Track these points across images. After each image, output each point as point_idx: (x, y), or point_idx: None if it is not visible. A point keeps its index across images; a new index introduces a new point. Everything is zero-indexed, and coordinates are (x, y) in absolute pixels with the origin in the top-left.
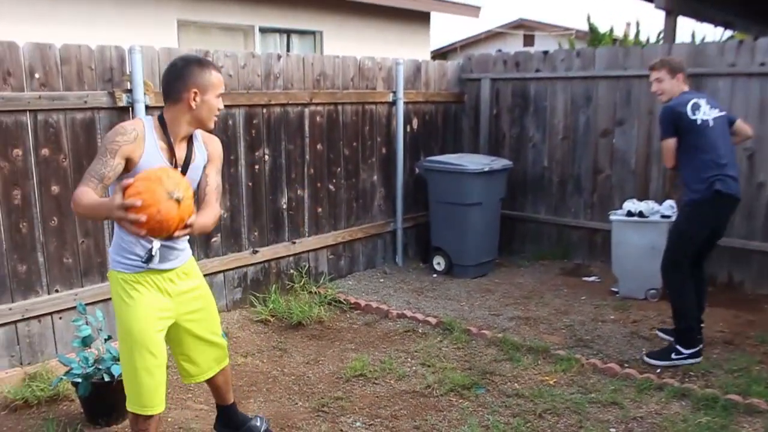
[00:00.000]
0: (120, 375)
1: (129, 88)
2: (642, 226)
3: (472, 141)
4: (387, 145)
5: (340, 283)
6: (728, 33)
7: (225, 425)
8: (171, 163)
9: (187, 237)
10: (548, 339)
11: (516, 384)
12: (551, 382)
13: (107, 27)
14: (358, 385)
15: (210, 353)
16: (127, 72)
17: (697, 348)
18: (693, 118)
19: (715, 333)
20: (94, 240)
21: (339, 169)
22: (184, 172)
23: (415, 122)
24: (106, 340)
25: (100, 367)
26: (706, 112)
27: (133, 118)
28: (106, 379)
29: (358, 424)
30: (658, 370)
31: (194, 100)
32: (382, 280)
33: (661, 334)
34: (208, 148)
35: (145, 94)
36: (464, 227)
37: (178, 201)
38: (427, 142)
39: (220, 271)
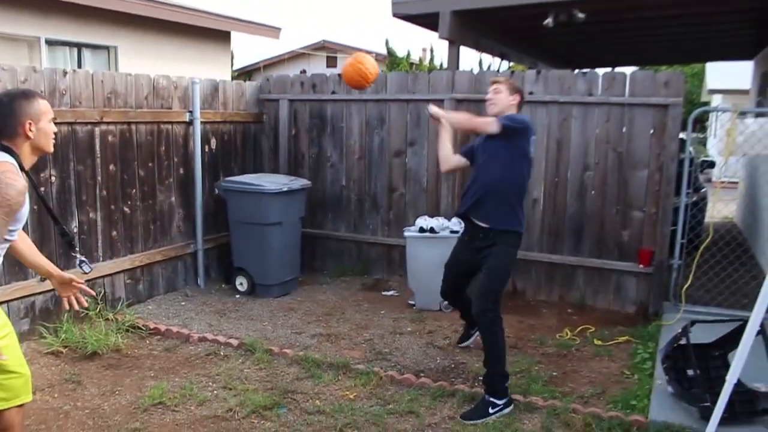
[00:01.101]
0: None
1: None
2: (433, 242)
3: (272, 161)
4: (185, 166)
5: (140, 308)
6: (505, 63)
7: None
8: None
9: None
10: (349, 354)
11: (317, 401)
12: (351, 397)
13: None
14: (157, 414)
15: None
16: None
17: (509, 395)
18: (531, 149)
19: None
20: None
21: (134, 190)
22: None
23: (213, 142)
24: None
25: None
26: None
27: None
28: None
29: None
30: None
31: (30, 130)
32: (183, 303)
33: (462, 345)
34: None
35: None
36: (265, 247)
37: None
38: (226, 162)
39: (3, 302)
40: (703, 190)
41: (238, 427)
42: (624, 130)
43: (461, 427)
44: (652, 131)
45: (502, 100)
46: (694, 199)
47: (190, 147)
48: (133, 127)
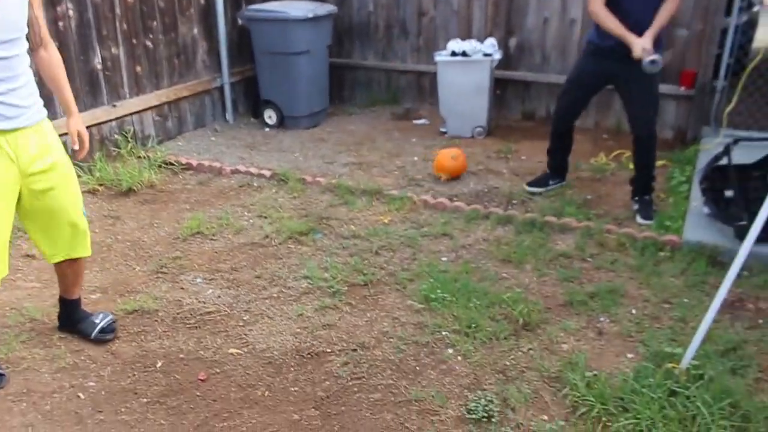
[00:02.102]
0: None
1: None
2: (466, 66)
3: None
4: None
5: (170, 145)
6: None
7: (64, 320)
8: None
9: (33, 90)
10: (381, 181)
11: (352, 226)
12: (386, 221)
13: None
14: (196, 243)
15: (63, 236)
16: None
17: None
18: None
19: (535, 164)
20: None
21: (155, 23)
22: None
23: None
24: None
25: None
26: None
27: None
28: None
29: (198, 280)
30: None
31: None
32: (213, 139)
33: (529, 189)
34: None
35: None
36: (293, 77)
37: None
38: None
39: None
40: (756, 8)
41: (275, 252)
42: None
43: (495, 247)
44: None
45: None
46: (746, 17)
47: None
48: None
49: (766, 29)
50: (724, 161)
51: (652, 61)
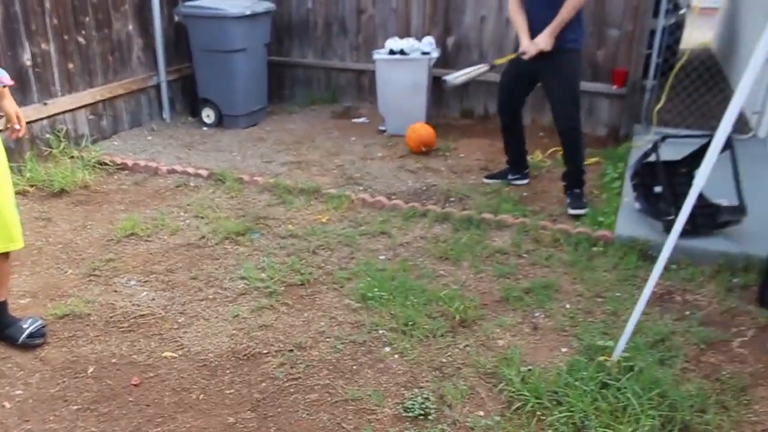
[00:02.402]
0: None
1: None
2: (404, 64)
3: None
4: None
5: (105, 145)
6: None
7: None
8: None
9: None
10: (320, 180)
11: (290, 225)
12: (324, 220)
13: None
14: (131, 245)
15: None
16: None
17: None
18: None
19: (473, 161)
20: None
21: (87, 18)
22: None
23: None
24: None
25: None
26: None
27: None
28: None
29: (132, 282)
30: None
31: None
32: (149, 138)
33: (487, 181)
34: None
35: None
36: (230, 76)
37: None
38: None
39: None
40: (682, 11)
41: (211, 252)
42: None
43: (433, 245)
44: None
45: None
46: (673, 20)
47: None
48: None
49: (691, 31)
50: (652, 158)
51: (444, 80)
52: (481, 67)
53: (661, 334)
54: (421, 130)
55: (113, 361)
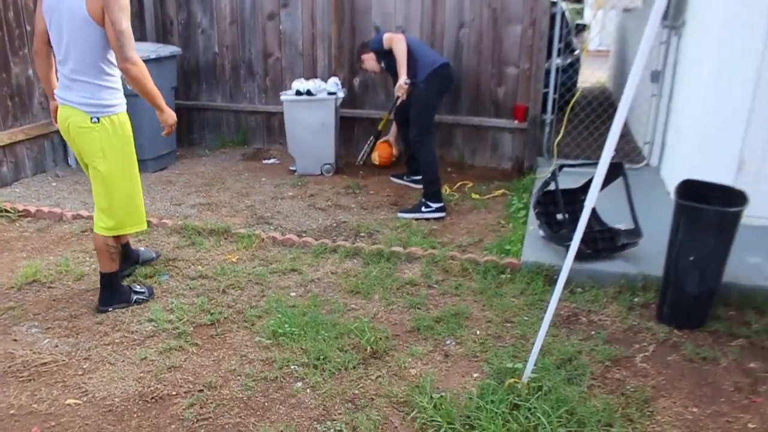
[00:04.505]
0: None
1: None
2: (311, 104)
3: (138, 28)
4: None
5: (5, 192)
6: None
7: None
8: None
9: None
10: (230, 220)
11: (199, 266)
12: (234, 260)
13: None
14: (32, 292)
15: None
16: None
17: (442, 203)
18: None
19: (383, 197)
20: None
21: None
22: None
23: None
24: None
25: None
26: None
27: None
28: None
29: (34, 330)
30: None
31: None
32: (54, 184)
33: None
34: None
35: None
36: (137, 120)
37: None
38: None
39: None
40: (576, 52)
41: None
42: None
43: (344, 279)
44: None
45: None
46: (569, 60)
47: None
48: None
49: (590, 70)
50: (552, 187)
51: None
52: (371, 139)
53: (568, 353)
54: (383, 147)
55: (11, 412)
